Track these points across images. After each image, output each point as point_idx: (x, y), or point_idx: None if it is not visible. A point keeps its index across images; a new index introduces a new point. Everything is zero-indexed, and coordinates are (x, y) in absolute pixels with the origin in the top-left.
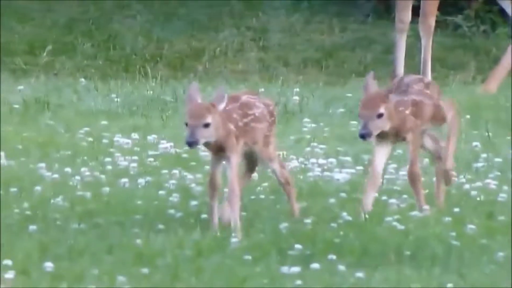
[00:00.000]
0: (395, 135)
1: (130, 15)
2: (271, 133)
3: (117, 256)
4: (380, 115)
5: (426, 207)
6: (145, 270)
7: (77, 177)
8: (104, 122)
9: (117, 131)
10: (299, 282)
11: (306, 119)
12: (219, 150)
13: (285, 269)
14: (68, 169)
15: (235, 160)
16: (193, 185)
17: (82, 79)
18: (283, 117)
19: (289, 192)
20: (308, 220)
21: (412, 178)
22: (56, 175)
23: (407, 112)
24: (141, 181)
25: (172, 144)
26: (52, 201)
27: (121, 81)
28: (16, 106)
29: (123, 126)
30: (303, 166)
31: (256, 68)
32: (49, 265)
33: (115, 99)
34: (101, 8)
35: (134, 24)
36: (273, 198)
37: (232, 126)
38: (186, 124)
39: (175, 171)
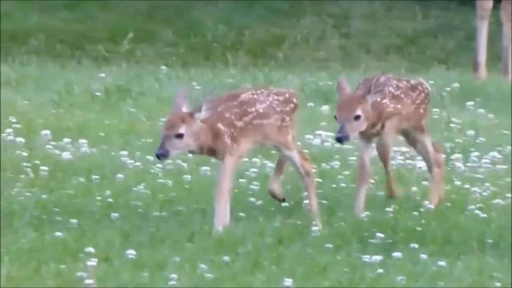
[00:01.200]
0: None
1: (211, 2)
2: (288, 122)
3: (198, 244)
4: (357, 117)
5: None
6: (226, 258)
7: (159, 165)
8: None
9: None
10: (380, 270)
11: None
12: (211, 153)
13: (366, 257)
14: (149, 157)
15: (230, 162)
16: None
17: (163, 67)
18: None
19: (307, 185)
20: (389, 209)
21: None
22: (138, 163)
23: (385, 101)
24: None
25: None
26: (134, 188)
27: (202, 68)
28: (98, 93)
29: None
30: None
31: (338, 55)
32: (131, 252)
33: (196, 87)
34: None
35: (215, 11)
36: (354, 187)
37: (223, 127)
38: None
39: (256, 160)
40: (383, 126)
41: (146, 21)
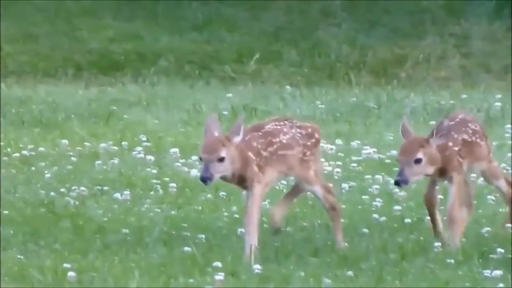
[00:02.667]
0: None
1: (335, 23)
2: (310, 156)
3: (322, 259)
4: (418, 161)
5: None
6: (349, 273)
7: (283, 181)
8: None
9: (322, 137)
10: (501, 285)
11: (508, 125)
12: (240, 181)
13: (487, 272)
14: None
15: (258, 189)
16: (396, 190)
17: (288, 86)
18: (485, 123)
19: (332, 218)
20: (509, 224)
21: (451, 220)
22: None
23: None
24: (345, 185)
25: (375, 149)
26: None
27: (326, 88)
28: (225, 112)
29: (327, 132)
30: (504, 171)
31: (459, 75)
32: (257, 267)
33: (320, 106)
34: (306, 17)
35: (339, 32)
36: (475, 203)
37: (251, 155)
38: (200, 159)
39: (379, 176)
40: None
41: (272, 42)
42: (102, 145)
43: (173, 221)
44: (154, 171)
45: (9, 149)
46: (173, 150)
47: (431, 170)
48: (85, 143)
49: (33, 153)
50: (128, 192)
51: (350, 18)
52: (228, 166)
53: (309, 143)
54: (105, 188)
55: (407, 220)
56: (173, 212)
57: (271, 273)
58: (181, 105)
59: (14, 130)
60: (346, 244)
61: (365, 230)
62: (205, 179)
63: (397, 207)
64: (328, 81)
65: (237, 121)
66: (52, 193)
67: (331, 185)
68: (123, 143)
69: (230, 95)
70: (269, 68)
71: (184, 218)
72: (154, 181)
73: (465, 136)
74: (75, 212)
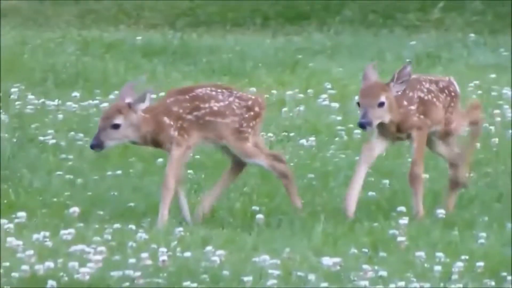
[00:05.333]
0: (397, 131)
1: None
2: (246, 128)
3: (506, 204)
4: (381, 104)
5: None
6: None
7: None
8: (492, 76)
9: (505, 84)
10: None
11: None
12: (156, 145)
13: None
14: None
15: (176, 152)
16: None
17: (472, 34)
18: None
19: (286, 185)
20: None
21: (412, 179)
22: None
23: (413, 108)
24: None
25: None
26: None
27: (510, 36)
28: (408, 60)
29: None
30: None
31: None
32: (440, 211)
33: (504, 53)
34: None
35: None
36: None
37: (167, 120)
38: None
39: None
40: None
41: None
42: (289, 92)
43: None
44: (339, 118)
45: None
46: (357, 97)
47: (388, 117)
48: (272, 91)
49: None
50: (314, 138)
51: None
52: (128, 133)
53: (246, 116)
54: (291, 134)
55: None
56: (357, 158)
57: (454, 218)
58: (365, 53)
59: (205, 78)
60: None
61: None
62: (92, 147)
63: None
64: None
65: (144, 89)
66: None
67: (279, 152)
68: (308, 90)
69: (413, 43)
70: (452, 16)
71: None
72: (339, 127)
73: (421, 94)
74: None
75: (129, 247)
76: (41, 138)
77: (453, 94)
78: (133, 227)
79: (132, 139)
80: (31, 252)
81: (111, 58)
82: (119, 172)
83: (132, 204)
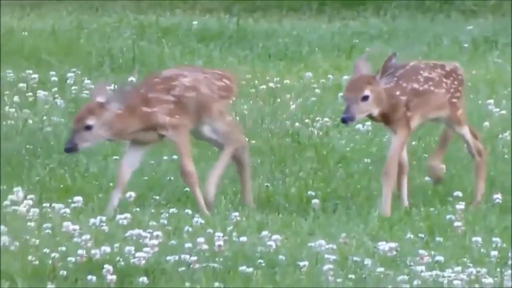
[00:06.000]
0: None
1: None
2: (222, 107)
3: None
4: (365, 98)
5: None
6: None
7: None
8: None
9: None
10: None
11: None
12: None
13: None
14: None
15: (180, 138)
16: None
17: None
18: None
19: (238, 171)
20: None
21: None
22: (503, 111)
23: (404, 98)
24: None
25: None
26: (500, 136)
27: None
28: (466, 45)
29: None
30: None
31: None
32: (497, 196)
33: None
34: None
35: None
36: None
37: (147, 109)
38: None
39: None
40: None
41: None
42: (345, 77)
43: (413, 152)
44: None
45: (256, 82)
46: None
47: (376, 110)
48: (329, 76)
49: (278, 85)
50: (370, 123)
51: None
52: (101, 133)
53: (223, 94)
54: None
55: None
56: (413, 143)
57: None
58: (422, 38)
59: (261, 63)
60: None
61: None
62: (67, 150)
63: None
64: None
65: (118, 87)
66: (297, 124)
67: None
68: None
69: (470, 27)
70: (510, 1)
71: (424, 149)
72: None
73: (416, 85)
74: (318, 142)
75: (185, 231)
76: None
77: (460, 78)
78: (189, 211)
79: (107, 138)
80: (87, 236)
81: (167, 43)
82: (175, 157)
83: (188, 188)
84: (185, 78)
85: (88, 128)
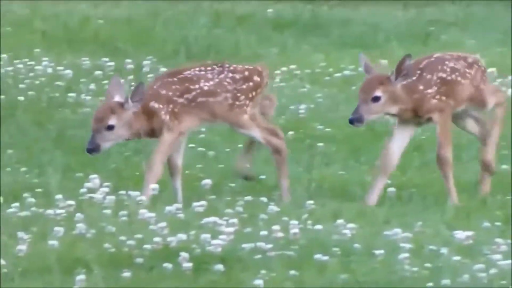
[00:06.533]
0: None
1: None
2: (244, 101)
3: None
4: (375, 99)
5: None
6: None
7: None
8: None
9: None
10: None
11: None
12: (151, 135)
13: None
14: None
15: (167, 137)
16: None
17: None
18: None
19: (276, 161)
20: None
21: (441, 162)
22: None
23: (430, 91)
24: None
25: None
26: None
27: None
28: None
29: None
30: None
31: None
32: None
33: None
34: None
35: None
36: None
37: (157, 105)
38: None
39: None
40: None
41: None
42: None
43: None
44: None
45: (331, 69)
46: (490, 70)
47: (394, 109)
48: None
49: (354, 73)
50: None
51: None
52: (122, 133)
53: (244, 87)
54: None
55: None
56: None
57: None
58: (498, 25)
59: (335, 50)
60: (289, 196)
61: None
62: (89, 151)
63: None
64: None
65: (136, 87)
66: None
67: (276, 127)
68: None
69: None
70: None
71: (501, 138)
72: None
73: (443, 75)
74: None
75: (260, 219)
76: None
77: (483, 68)
78: (264, 199)
79: (127, 138)
80: (163, 224)
81: (242, 31)
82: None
83: (263, 176)
84: (207, 82)
85: (110, 128)
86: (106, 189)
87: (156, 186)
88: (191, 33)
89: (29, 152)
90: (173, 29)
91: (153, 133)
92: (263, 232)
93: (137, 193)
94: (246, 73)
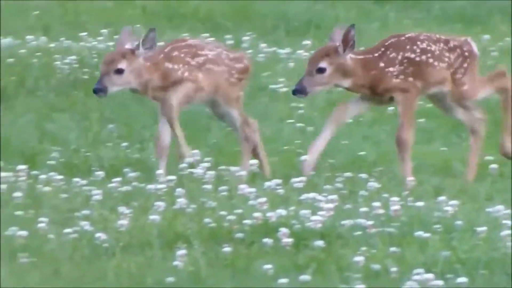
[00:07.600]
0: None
1: None
2: (237, 80)
3: None
4: (320, 70)
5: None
6: None
7: None
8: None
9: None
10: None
11: None
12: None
13: None
14: None
15: (176, 97)
16: None
17: None
18: None
19: (243, 148)
20: None
21: (399, 144)
22: None
23: (392, 69)
24: None
25: None
26: None
27: None
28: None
29: None
30: None
31: None
32: None
33: None
34: None
35: None
36: None
37: (171, 65)
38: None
39: None
40: None
41: None
42: None
43: None
44: None
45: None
46: None
47: (346, 83)
48: (506, 39)
49: None
50: None
51: None
52: (130, 79)
53: (237, 66)
54: None
55: None
56: None
57: None
58: None
59: (437, 25)
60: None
61: None
62: (95, 91)
63: None
64: None
65: (146, 35)
66: None
67: (252, 120)
68: None
69: None
70: None
71: None
72: None
73: (411, 55)
74: (495, 106)
75: (360, 195)
76: (272, 86)
77: (466, 54)
78: (364, 175)
79: (133, 86)
80: (263, 199)
81: (343, 6)
82: (350, 120)
83: (362, 152)
84: (210, 51)
85: (119, 71)
86: (207, 164)
87: (255, 161)
88: (291, 9)
89: (129, 128)
90: (273, 5)
91: (162, 90)
92: (363, 209)
93: (237, 168)
94: (237, 54)
